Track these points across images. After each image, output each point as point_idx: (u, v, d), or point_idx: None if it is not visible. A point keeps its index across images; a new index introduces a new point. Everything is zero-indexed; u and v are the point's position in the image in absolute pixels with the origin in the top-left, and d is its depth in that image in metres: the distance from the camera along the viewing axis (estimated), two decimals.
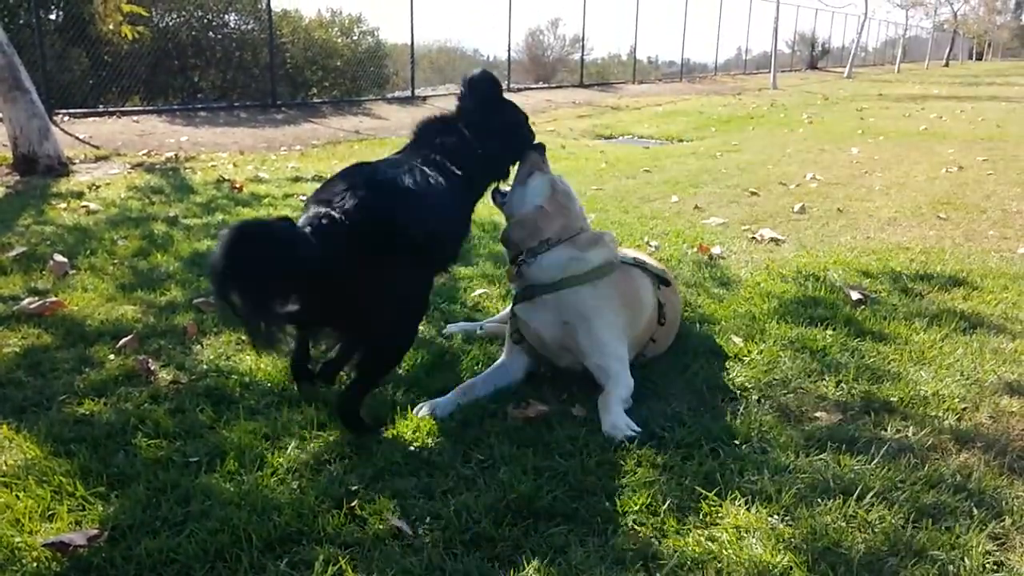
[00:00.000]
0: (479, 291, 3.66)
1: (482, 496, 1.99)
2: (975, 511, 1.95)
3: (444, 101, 15.47)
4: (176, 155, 8.26)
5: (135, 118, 10.68)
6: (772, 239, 4.72)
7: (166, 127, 10.30)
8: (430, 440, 2.27)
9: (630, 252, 3.01)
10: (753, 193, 6.26)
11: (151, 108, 11.64)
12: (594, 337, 2.56)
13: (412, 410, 2.44)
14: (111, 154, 8.19)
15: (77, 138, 8.98)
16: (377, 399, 2.52)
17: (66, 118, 10.01)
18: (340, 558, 1.77)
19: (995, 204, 5.88)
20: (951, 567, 1.75)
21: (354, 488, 2.03)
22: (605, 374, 2.53)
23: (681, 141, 10.14)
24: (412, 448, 2.23)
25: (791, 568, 1.74)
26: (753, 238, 4.77)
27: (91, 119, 10.27)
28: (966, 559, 1.78)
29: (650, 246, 4.47)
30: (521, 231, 2.68)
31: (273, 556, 1.79)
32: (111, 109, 10.96)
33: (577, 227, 2.72)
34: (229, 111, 11.97)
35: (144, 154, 8.29)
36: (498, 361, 2.75)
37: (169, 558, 1.76)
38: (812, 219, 5.37)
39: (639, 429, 2.28)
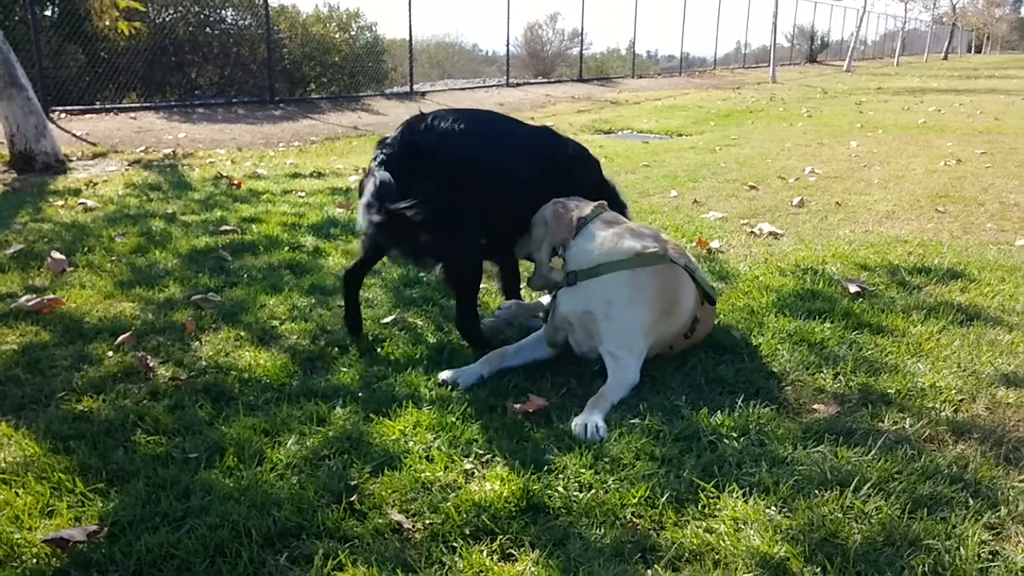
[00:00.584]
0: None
1: (481, 490, 2.00)
2: (971, 501, 1.96)
3: (443, 96, 15.45)
4: (174, 152, 8.26)
5: (132, 115, 10.67)
6: (771, 233, 4.72)
7: (163, 124, 10.28)
8: (429, 434, 2.27)
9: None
10: (752, 187, 6.26)
11: (148, 105, 11.62)
12: (614, 322, 2.55)
13: (425, 389, 2.44)
14: (108, 151, 8.18)
15: (74, 135, 8.97)
16: (376, 395, 2.53)
17: (63, 115, 9.99)
18: (340, 552, 1.78)
19: (993, 197, 5.89)
20: (947, 557, 1.76)
21: (353, 483, 2.04)
22: (615, 363, 2.53)
23: (680, 135, 10.13)
24: (411, 442, 2.24)
25: (788, 559, 1.75)
26: (752, 232, 4.77)
27: (88, 116, 10.25)
28: (962, 549, 1.78)
29: None
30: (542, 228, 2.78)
31: (273, 551, 1.80)
32: (108, 106, 10.94)
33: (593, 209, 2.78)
34: (227, 107, 11.95)
35: (141, 151, 8.28)
36: (535, 333, 2.80)
37: (169, 553, 1.77)
38: (811, 213, 5.37)
39: (605, 436, 2.27)
